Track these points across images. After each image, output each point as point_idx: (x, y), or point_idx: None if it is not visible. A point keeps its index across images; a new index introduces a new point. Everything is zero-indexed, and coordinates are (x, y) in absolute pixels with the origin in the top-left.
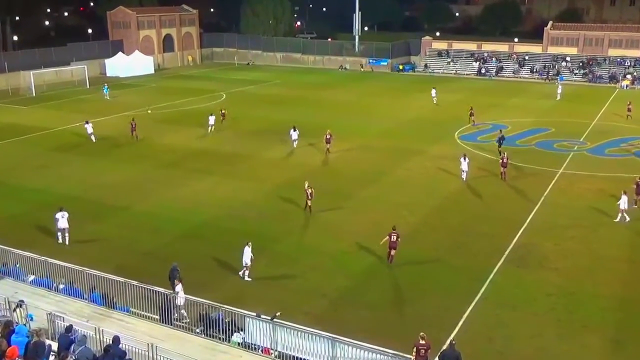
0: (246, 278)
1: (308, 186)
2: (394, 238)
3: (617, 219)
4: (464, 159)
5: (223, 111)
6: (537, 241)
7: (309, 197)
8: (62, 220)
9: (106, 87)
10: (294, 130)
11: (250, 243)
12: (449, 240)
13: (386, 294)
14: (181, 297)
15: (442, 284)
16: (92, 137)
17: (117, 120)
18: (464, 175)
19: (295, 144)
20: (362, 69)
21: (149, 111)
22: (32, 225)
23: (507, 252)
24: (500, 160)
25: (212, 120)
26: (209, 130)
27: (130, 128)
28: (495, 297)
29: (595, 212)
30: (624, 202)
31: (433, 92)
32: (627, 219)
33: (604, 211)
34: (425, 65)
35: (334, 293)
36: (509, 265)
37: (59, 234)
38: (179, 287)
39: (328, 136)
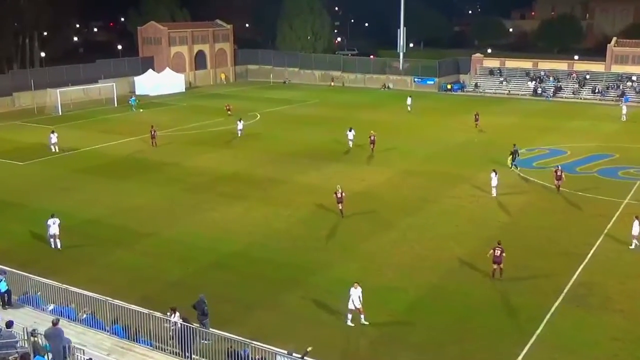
0: (362, 321)
1: (339, 190)
2: (497, 252)
3: (632, 246)
4: (495, 174)
5: (228, 106)
6: (599, 279)
7: (340, 201)
8: (54, 226)
9: (134, 99)
10: (350, 131)
11: (357, 284)
12: (501, 275)
13: (431, 334)
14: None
15: (493, 323)
16: (53, 148)
17: (142, 141)
18: (493, 192)
19: (351, 144)
20: (332, 84)
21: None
22: (54, 251)
23: (565, 290)
24: (554, 174)
25: (240, 125)
26: (239, 135)
27: (150, 135)
28: (553, 340)
29: None
30: (636, 228)
31: (409, 100)
32: (635, 245)
33: None
34: (476, 85)
35: (374, 331)
36: (568, 305)
37: (52, 240)
38: (175, 317)
39: (372, 137)
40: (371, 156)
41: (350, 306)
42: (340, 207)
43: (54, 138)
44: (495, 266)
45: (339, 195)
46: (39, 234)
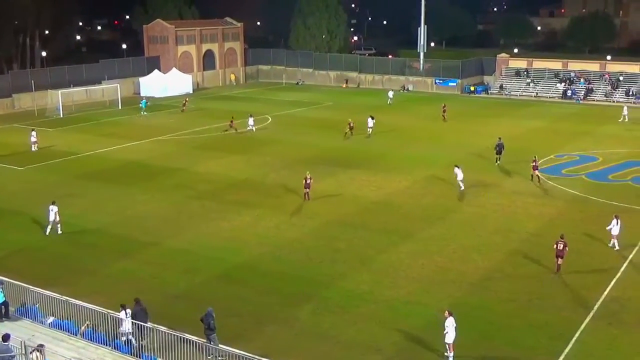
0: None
1: (309, 176)
2: (560, 246)
3: (610, 244)
4: (458, 168)
5: (185, 100)
6: (633, 294)
7: (307, 186)
8: (52, 213)
9: (145, 101)
10: (372, 119)
11: (449, 311)
12: (527, 290)
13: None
14: (127, 324)
15: (518, 342)
16: (33, 147)
17: (148, 145)
18: (461, 185)
19: (370, 131)
20: (344, 86)
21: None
22: (54, 261)
23: (596, 307)
24: (533, 163)
25: (251, 121)
26: (247, 129)
27: (229, 124)
28: None
29: None
30: (615, 228)
31: (390, 93)
32: (617, 247)
33: None
34: (501, 87)
35: (390, 348)
36: (599, 322)
37: (48, 227)
38: (123, 314)
39: (351, 124)
40: (368, 136)
41: (448, 340)
42: (307, 191)
43: (33, 137)
44: (557, 260)
45: (308, 180)
46: (38, 242)
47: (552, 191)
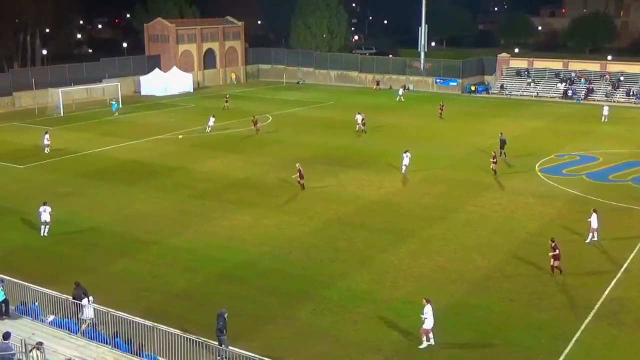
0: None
1: (298, 166)
2: (558, 250)
3: (588, 240)
4: (406, 153)
5: (227, 97)
6: (634, 295)
7: (300, 177)
8: (44, 214)
9: (115, 104)
10: (359, 114)
11: (427, 299)
12: (527, 290)
13: (451, 352)
14: (88, 312)
15: (518, 341)
16: (46, 149)
17: (148, 144)
18: (403, 169)
19: (363, 128)
20: (376, 87)
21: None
22: (55, 259)
23: (596, 307)
24: (492, 158)
25: (211, 121)
26: (207, 130)
27: (253, 123)
28: None
29: None
30: (594, 221)
31: (400, 91)
32: (595, 238)
33: None
34: (502, 87)
35: (390, 348)
36: (599, 322)
37: (42, 227)
38: (85, 301)
39: (362, 119)
40: (359, 136)
41: (427, 326)
42: (302, 182)
43: (46, 140)
44: (557, 263)
45: (300, 171)
46: (38, 241)
47: (553, 191)
